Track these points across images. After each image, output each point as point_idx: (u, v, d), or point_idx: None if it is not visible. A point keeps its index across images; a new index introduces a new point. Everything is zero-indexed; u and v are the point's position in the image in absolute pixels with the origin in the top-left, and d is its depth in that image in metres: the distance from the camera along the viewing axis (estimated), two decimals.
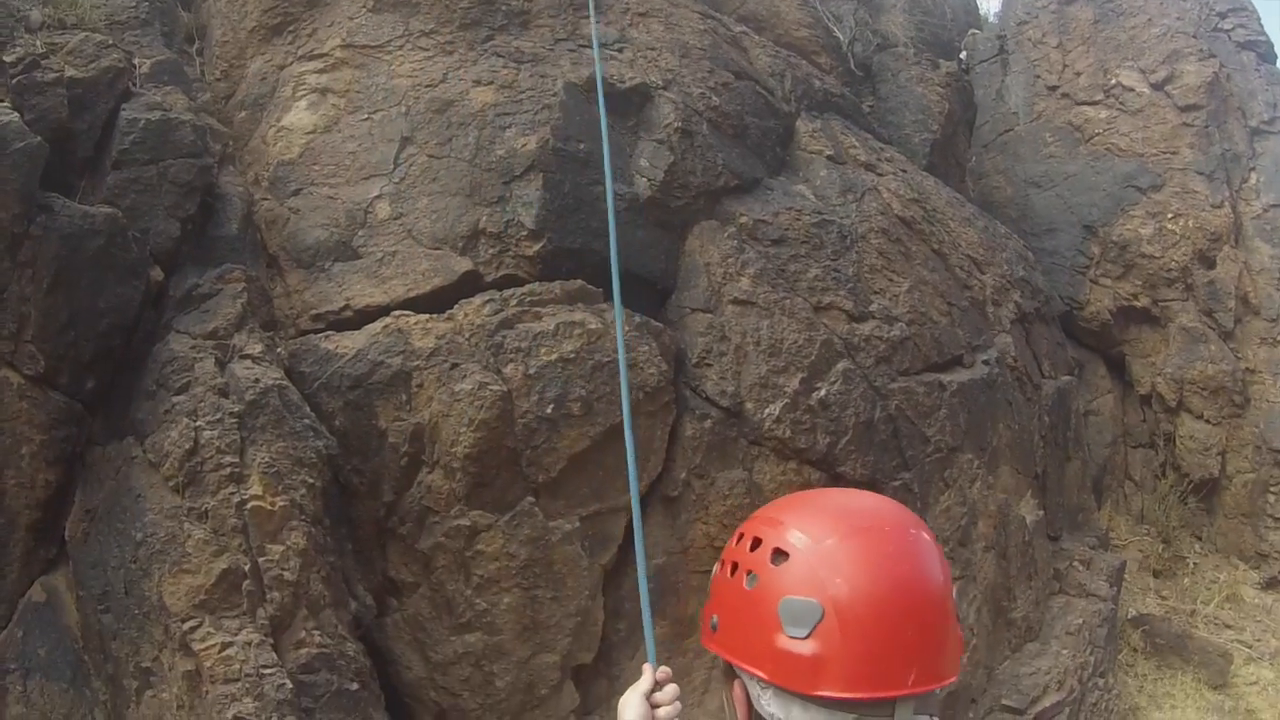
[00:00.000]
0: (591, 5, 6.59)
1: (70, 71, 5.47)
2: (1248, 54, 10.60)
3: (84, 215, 4.89)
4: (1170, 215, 9.80)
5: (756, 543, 1.69)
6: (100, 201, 5.14)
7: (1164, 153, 10.10)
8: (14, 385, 4.64)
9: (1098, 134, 10.29)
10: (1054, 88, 10.69)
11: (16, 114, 4.94)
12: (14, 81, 5.27)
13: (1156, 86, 10.38)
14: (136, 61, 6.16)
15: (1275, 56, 10.76)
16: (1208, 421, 9.29)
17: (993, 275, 7.82)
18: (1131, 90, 10.48)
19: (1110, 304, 9.87)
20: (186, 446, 4.57)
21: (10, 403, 4.63)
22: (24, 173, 4.74)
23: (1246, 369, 9.30)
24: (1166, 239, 9.73)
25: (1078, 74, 10.65)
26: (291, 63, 6.32)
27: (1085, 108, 10.47)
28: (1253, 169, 10.05)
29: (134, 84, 5.86)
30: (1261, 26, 10.83)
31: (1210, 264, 9.61)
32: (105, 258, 4.86)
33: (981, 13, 12.06)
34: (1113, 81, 10.56)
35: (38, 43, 5.67)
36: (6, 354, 4.66)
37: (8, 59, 5.44)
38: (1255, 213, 9.89)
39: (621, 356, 3.16)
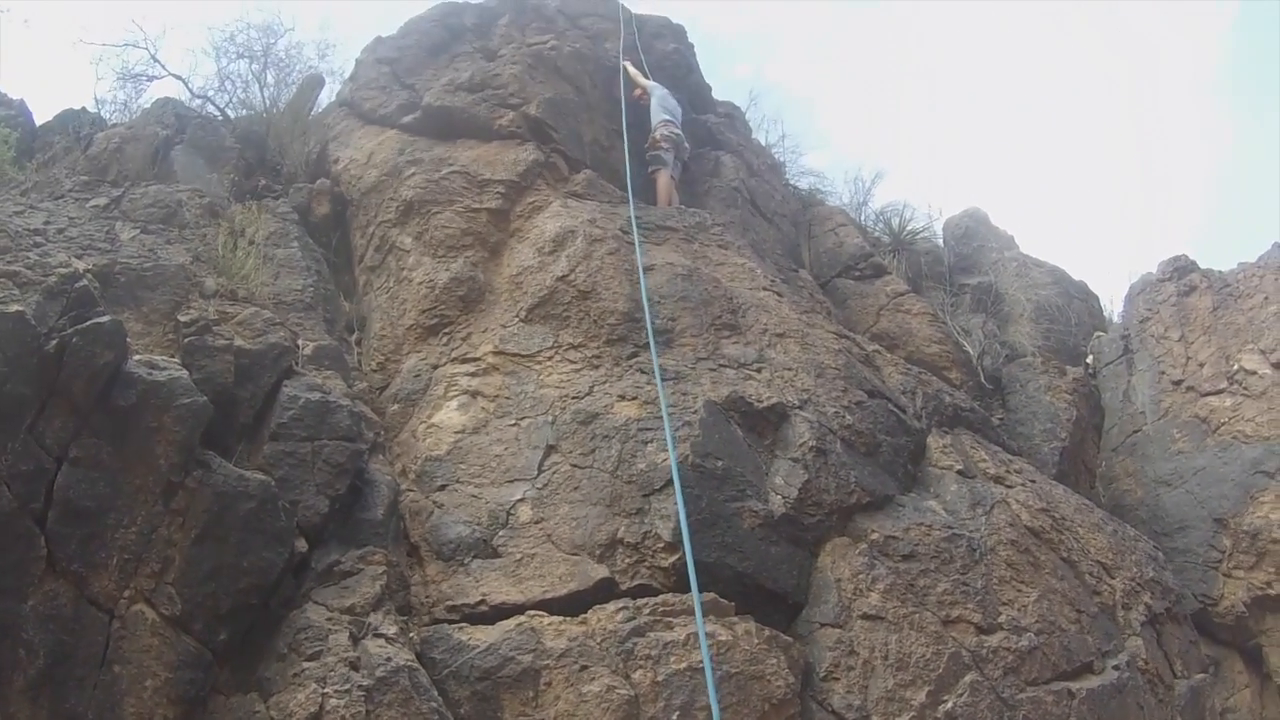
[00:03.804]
0: (651, 335, 6.83)
1: (239, 341, 5.94)
2: None
3: (239, 478, 5.20)
4: None
5: None
6: (255, 468, 5.47)
7: None
8: (148, 621, 4.83)
9: (1223, 423, 10.17)
10: (1179, 382, 10.68)
11: (185, 371, 5.36)
12: (185, 341, 5.76)
13: (1278, 365, 10.30)
14: (300, 342, 6.59)
15: None
16: None
17: (1122, 579, 7.70)
18: (1254, 373, 10.40)
19: (1244, 596, 9.51)
20: (312, 710, 4.72)
21: (142, 636, 4.81)
22: (187, 427, 5.09)
23: None
24: None
25: (1201, 365, 10.65)
26: (445, 363, 6.73)
27: (1210, 398, 10.40)
28: None
29: (296, 363, 6.28)
30: None
31: None
32: (254, 521, 5.13)
33: (1105, 314, 12.28)
34: (1235, 367, 10.51)
35: (210, 309, 6.16)
36: (146, 590, 4.87)
37: (182, 319, 5.93)
38: None
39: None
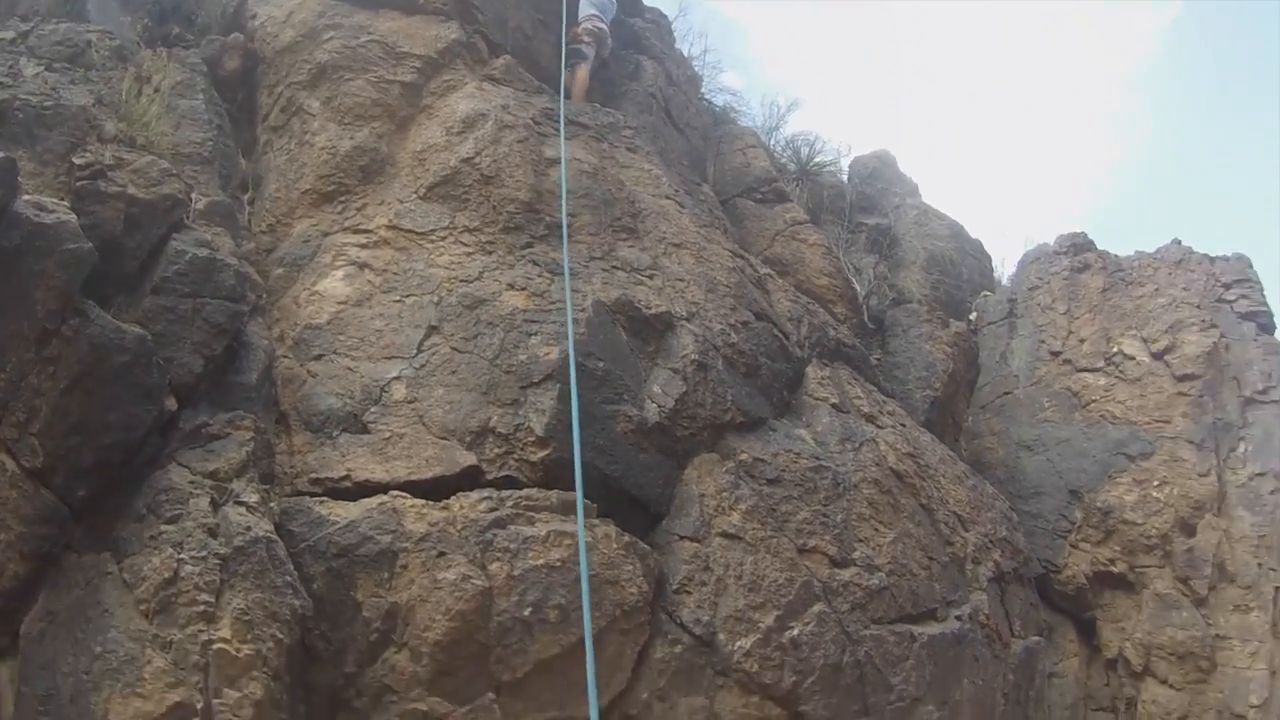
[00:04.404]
0: (565, 233, 6.78)
1: (132, 190, 5.71)
2: (1248, 324, 10.69)
3: (115, 330, 5.05)
4: (1156, 483, 9.88)
5: None
6: (133, 321, 5.31)
7: (1157, 421, 10.22)
8: (8, 471, 4.70)
9: (1094, 400, 10.50)
10: (1057, 353, 10.98)
11: (74, 216, 5.16)
12: (78, 185, 5.53)
13: (1157, 356, 10.58)
14: (194, 196, 6.37)
15: (1275, 327, 10.76)
16: (1172, 687, 9.18)
17: (976, 533, 7.94)
18: (1132, 359, 10.70)
19: (1087, 568, 9.90)
20: (165, 575, 4.65)
21: (1, 488, 4.68)
22: (69, 273, 4.92)
23: (1216, 635, 9.18)
24: (1150, 506, 9.79)
25: (1081, 341, 10.94)
26: (336, 232, 6.57)
27: (1085, 374, 10.72)
28: (1242, 438, 10.05)
29: (187, 217, 6.06)
30: (1264, 298, 10.91)
31: (1191, 532, 9.61)
32: (126, 375, 5.00)
33: (996, 275, 12.53)
34: (1114, 349, 10.81)
35: (106, 154, 5.90)
36: (9, 440, 4.74)
37: (77, 161, 5.68)
38: (1240, 481, 9.85)
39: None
